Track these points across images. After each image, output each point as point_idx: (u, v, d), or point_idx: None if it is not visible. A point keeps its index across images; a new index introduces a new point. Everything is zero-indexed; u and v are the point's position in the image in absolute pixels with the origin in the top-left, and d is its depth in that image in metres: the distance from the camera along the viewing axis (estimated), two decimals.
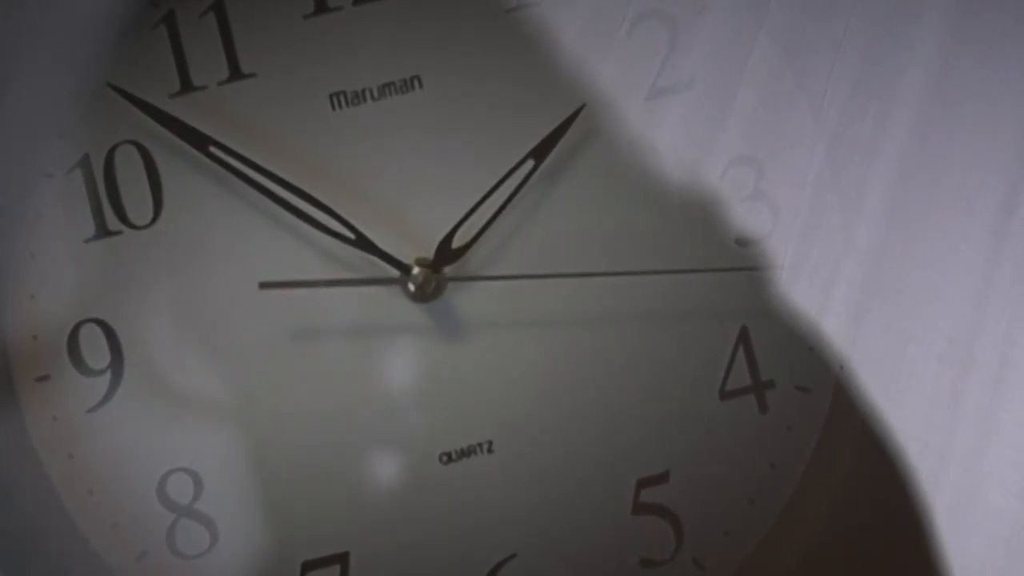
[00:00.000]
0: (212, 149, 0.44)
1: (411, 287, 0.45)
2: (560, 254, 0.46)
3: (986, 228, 0.37)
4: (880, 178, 0.39)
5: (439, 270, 0.45)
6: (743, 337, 0.48)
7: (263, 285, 0.43)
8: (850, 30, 0.38)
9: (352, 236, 0.44)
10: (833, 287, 0.40)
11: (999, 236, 0.36)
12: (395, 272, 0.45)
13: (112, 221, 0.45)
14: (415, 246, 0.45)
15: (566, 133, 0.45)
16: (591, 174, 0.47)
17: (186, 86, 0.45)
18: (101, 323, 0.45)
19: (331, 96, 0.45)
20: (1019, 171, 0.35)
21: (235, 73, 0.45)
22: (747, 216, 0.47)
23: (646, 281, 0.46)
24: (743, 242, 0.47)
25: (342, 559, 0.46)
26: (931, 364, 0.38)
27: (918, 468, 0.38)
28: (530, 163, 0.45)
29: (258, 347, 0.45)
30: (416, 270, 0.45)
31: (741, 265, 0.46)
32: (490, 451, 0.47)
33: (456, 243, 0.45)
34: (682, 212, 0.46)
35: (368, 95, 0.45)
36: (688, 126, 0.46)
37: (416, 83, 0.45)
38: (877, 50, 0.38)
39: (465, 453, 0.46)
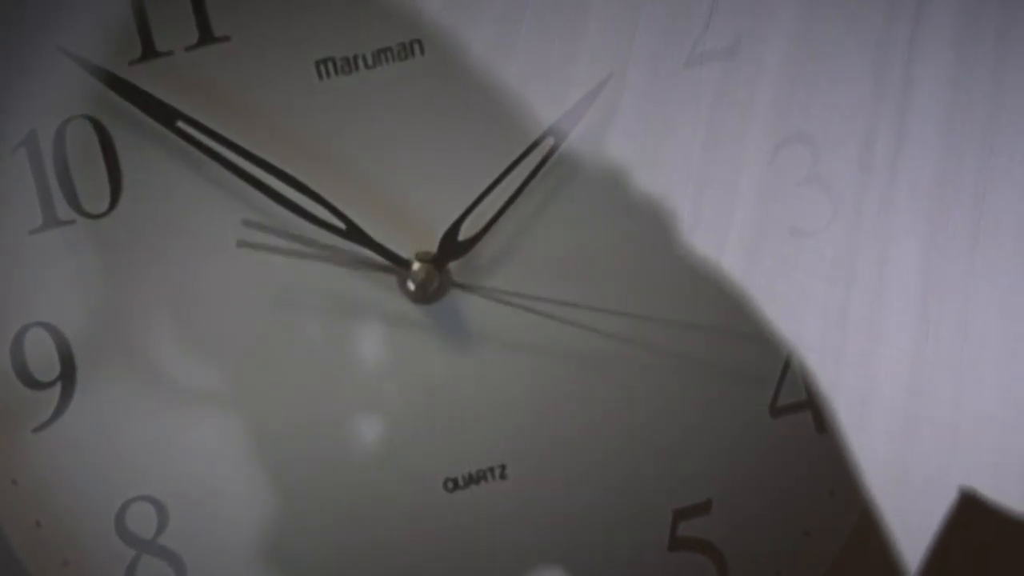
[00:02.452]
0: (180, 124, 0.41)
1: (411, 285, 0.43)
2: (582, 253, 0.45)
3: (852, 164, 0.44)
4: (756, 128, 0.44)
5: (443, 266, 0.43)
6: (800, 345, 0.46)
7: (240, 243, 0.42)
8: None
9: (343, 226, 0.42)
10: (728, 232, 0.44)
11: (864, 170, 0.44)
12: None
13: (63, 209, 0.42)
14: (415, 238, 0.43)
15: (592, 106, 0.43)
16: (621, 155, 0.44)
17: (149, 52, 0.42)
18: (50, 327, 0.43)
19: (318, 63, 0.43)
20: (875, 112, 0.43)
21: (206, 36, 0.42)
22: (802, 204, 0.45)
23: (679, 281, 0.45)
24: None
25: None
26: (819, 285, 0.44)
27: (818, 374, 0.44)
28: (549, 141, 0.43)
29: (233, 355, 0.43)
30: (416, 266, 0.43)
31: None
32: (503, 477, 0.45)
33: (463, 235, 0.43)
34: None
35: (361, 62, 0.43)
36: (733, 98, 0.44)
37: (416, 48, 0.43)
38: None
39: (474, 479, 0.45)
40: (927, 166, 0.44)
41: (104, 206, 0.42)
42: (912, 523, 0.45)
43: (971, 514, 0.43)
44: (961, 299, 0.44)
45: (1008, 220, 0.44)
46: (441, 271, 0.43)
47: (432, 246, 0.43)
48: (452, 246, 0.43)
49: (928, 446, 0.45)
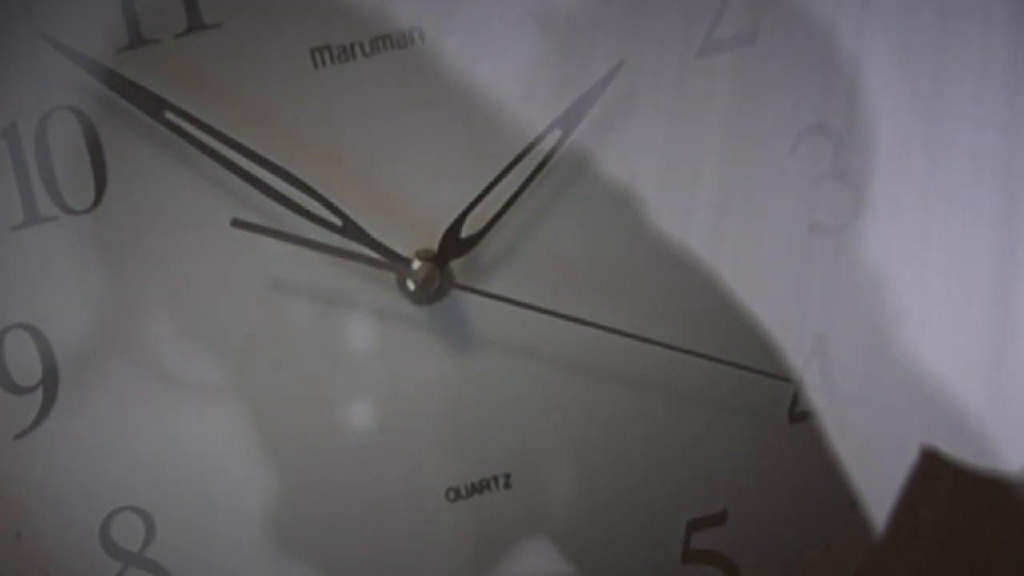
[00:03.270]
0: (168, 116, 0.41)
1: (410, 284, 0.43)
2: (590, 253, 0.44)
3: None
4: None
5: (444, 265, 0.43)
6: (819, 346, 0.46)
7: (235, 223, 0.41)
8: None
9: (339, 223, 0.42)
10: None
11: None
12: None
13: (44, 205, 0.42)
14: (416, 235, 0.43)
15: (601, 97, 0.42)
16: (630, 148, 0.44)
17: (136, 39, 0.42)
18: (31, 329, 0.42)
19: (313, 51, 0.42)
20: (829, 91, 0.45)
21: (195, 23, 0.42)
22: (823, 198, 0.45)
23: (692, 280, 0.44)
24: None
25: None
26: (782, 255, 0.45)
27: (783, 343, 0.45)
28: (556, 134, 0.42)
29: (225, 359, 0.43)
30: (416, 264, 0.42)
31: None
32: (507, 486, 0.45)
33: (465, 232, 0.43)
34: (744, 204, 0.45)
35: (358, 50, 0.42)
36: (750, 88, 0.44)
37: (416, 36, 0.43)
38: None
39: (477, 488, 0.45)
40: (880, 139, 0.46)
41: (88, 202, 0.42)
42: (878, 481, 0.46)
43: (932, 471, 0.45)
44: (917, 265, 0.46)
45: (956, 190, 0.46)
46: (442, 270, 0.42)
47: (433, 244, 0.42)
48: (454, 244, 0.42)
49: (889, 407, 0.46)
